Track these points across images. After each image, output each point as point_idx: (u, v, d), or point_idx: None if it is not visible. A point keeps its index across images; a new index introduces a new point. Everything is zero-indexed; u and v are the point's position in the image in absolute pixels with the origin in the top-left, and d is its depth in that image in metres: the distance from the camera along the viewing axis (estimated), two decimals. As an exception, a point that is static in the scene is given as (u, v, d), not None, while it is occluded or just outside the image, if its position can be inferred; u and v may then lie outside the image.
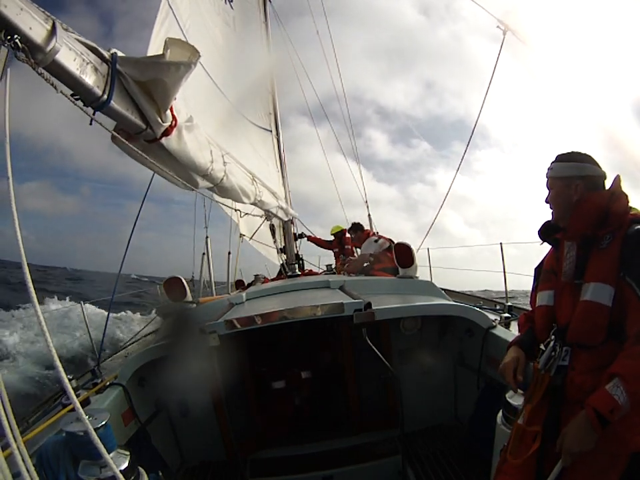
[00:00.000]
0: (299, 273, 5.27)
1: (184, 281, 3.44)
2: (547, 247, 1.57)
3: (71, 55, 1.22)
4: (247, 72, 4.40)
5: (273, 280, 5.52)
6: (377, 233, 5.85)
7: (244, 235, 7.05)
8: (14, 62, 1.02)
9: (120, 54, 1.41)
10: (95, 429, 1.19)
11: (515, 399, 1.65)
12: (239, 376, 2.79)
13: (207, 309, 2.93)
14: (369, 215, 7.95)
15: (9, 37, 1.00)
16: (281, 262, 5.60)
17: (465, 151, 4.19)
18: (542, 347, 1.44)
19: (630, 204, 1.35)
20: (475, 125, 4.07)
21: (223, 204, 4.57)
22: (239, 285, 6.24)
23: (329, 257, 7.54)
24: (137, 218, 3.40)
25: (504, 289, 4.59)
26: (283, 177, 5.19)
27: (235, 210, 4.01)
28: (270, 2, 5.88)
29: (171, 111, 1.63)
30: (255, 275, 6.58)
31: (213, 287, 5.95)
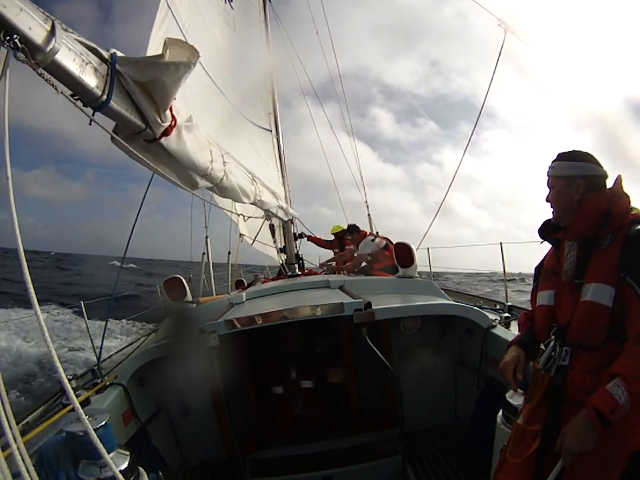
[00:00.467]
0: (299, 272, 5.27)
1: (184, 280, 3.44)
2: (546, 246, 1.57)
3: (71, 55, 1.22)
4: (247, 72, 4.40)
5: (273, 280, 5.52)
6: (377, 233, 5.84)
7: (244, 235, 7.05)
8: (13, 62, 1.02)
9: (119, 54, 1.41)
10: (95, 429, 1.19)
11: (515, 399, 1.65)
12: (239, 376, 2.79)
13: (207, 308, 2.93)
14: (369, 214, 7.94)
15: (8, 38, 1.00)
16: (281, 262, 5.60)
17: (472, 134, 4.13)
18: (542, 346, 1.44)
19: (631, 204, 1.35)
20: (481, 110, 4.02)
21: (224, 208, 4.58)
22: (239, 284, 6.25)
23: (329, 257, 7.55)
24: (136, 218, 3.39)
25: (504, 291, 4.58)
26: (283, 176, 5.19)
27: (239, 215, 4.02)
28: (270, 1, 5.88)
29: (171, 111, 1.63)
30: (255, 275, 6.58)
31: (213, 287, 5.95)
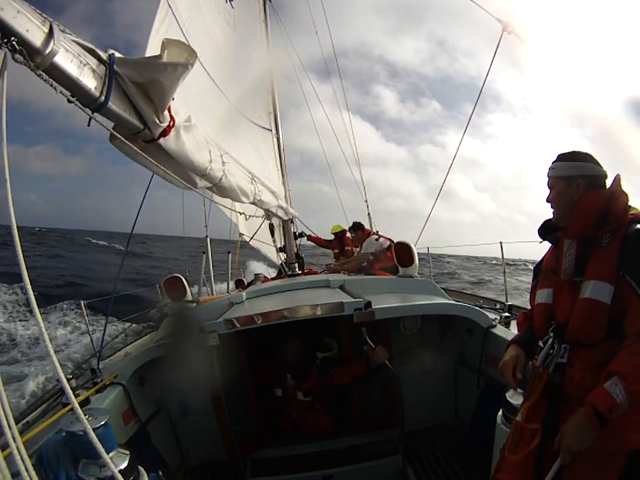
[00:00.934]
0: (299, 272, 5.27)
1: (184, 280, 3.44)
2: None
3: (69, 56, 1.22)
4: (247, 71, 4.40)
5: (272, 279, 5.52)
6: (377, 232, 5.85)
7: (243, 235, 7.05)
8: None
9: (118, 55, 1.41)
10: (95, 429, 1.19)
11: (515, 399, 1.65)
12: (239, 375, 2.79)
13: (207, 308, 2.93)
14: (369, 213, 7.93)
15: (5, 40, 1.00)
16: (281, 261, 5.60)
17: (471, 116, 4.05)
18: (540, 344, 1.44)
19: (630, 203, 1.36)
20: (479, 95, 3.96)
21: (223, 205, 4.57)
22: (239, 284, 6.24)
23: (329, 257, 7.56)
24: (136, 218, 3.40)
25: (504, 287, 4.58)
26: (283, 175, 5.18)
27: (241, 213, 4.01)
28: (270, 1, 5.88)
29: (169, 111, 1.63)
30: (255, 274, 6.58)
31: (213, 287, 5.95)
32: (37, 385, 6.66)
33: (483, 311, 2.61)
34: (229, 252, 7.04)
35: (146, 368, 2.41)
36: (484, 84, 3.78)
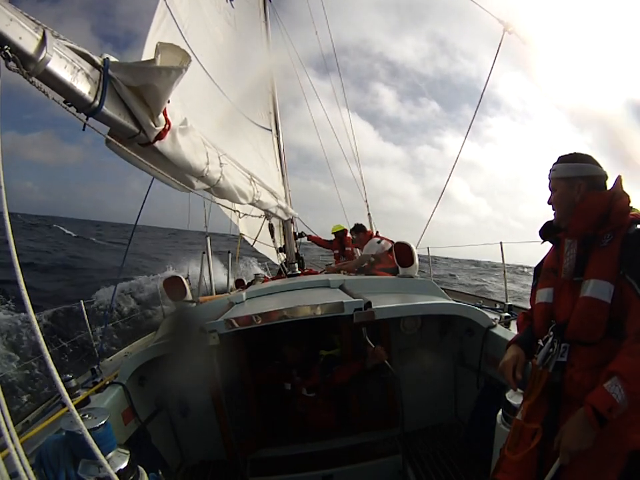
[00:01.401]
0: (299, 272, 5.27)
1: (184, 280, 3.45)
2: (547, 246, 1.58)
3: (62, 62, 1.22)
4: (248, 71, 4.40)
5: (272, 279, 5.52)
6: (378, 233, 5.84)
7: (243, 235, 7.04)
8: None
9: (112, 59, 1.40)
10: (95, 428, 1.20)
11: (515, 399, 1.66)
12: (239, 375, 2.79)
13: (207, 308, 2.93)
14: (369, 214, 7.93)
15: None
16: (281, 261, 5.60)
17: (472, 121, 4.04)
18: (540, 342, 1.44)
19: (631, 204, 1.36)
20: (480, 99, 3.95)
21: (222, 204, 4.56)
22: (239, 284, 6.24)
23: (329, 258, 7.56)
24: (137, 218, 3.41)
25: (504, 287, 4.58)
26: (283, 175, 5.18)
27: (235, 211, 4.00)
28: (270, 1, 5.88)
29: (164, 114, 1.63)
30: (255, 274, 6.58)
31: (213, 287, 5.94)
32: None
33: (483, 311, 2.61)
34: (229, 252, 7.04)
35: (146, 368, 2.41)
36: (485, 86, 3.77)
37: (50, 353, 0.93)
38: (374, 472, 2.58)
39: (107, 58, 1.39)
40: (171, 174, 1.94)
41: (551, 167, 1.49)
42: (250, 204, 3.19)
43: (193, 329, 2.26)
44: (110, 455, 1.24)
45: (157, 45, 1.47)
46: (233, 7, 4.19)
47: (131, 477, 1.28)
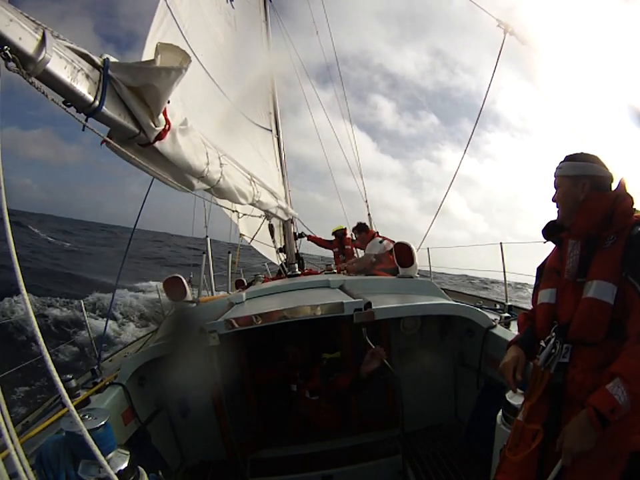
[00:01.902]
0: (299, 272, 5.27)
1: (184, 280, 3.45)
2: (548, 247, 1.58)
3: (62, 63, 1.21)
4: (248, 71, 4.40)
5: (272, 279, 5.52)
6: (378, 233, 5.85)
7: (244, 235, 7.04)
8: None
9: (112, 59, 1.40)
10: (95, 429, 1.19)
11: (515, 399, 1.65)
12: (239, 375, 2.79)
13: (207, 308, 2.93)
14: (369, 214, 7.94)
15: None
16: (281, 262, 5.60)
17: (471, 136, 4.08)
18: (542, 343, 1.44)
19: (634, 206, 1.37)
20: (480, 112, 3.97)
21: (222, 206, 4.57)
22: (239, 284, 6.24)
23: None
24: (137, 218, 3.41)
25: (504, 288, 4.59)
26: (283, 176, 5.18)
27: (234, 211, 3.99)
28: (270, 1, 5.88)
29: (165, 114, 1.63)
30: (255, 275, 6.58)
31: (213, 287, 5.95)
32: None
33: (483, 312, 2.61)
34: (229, 252, 7.05)
35: (146, 368, 2.41)
36: (488, 90, 3.78)
37: (50, 353, 0.92)
38: (374, 472, 2.58)
39: (107, 58, 1.38)
40: (171, 174, 1.93)
41: (557, 164, 1.49)
42: (250, 204, 3.19)
43: (193, 329, 2.26)
44: (110, 455, 1.23)
45: (157, 45, 1.46)
46: (233, 7, 4.19)
47: (131, 478, 1.28)
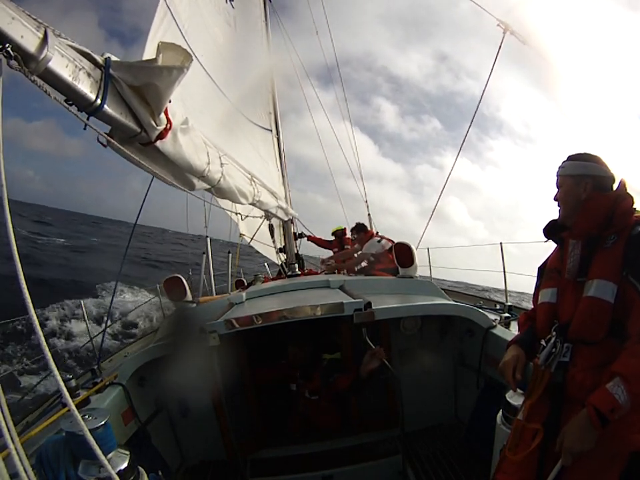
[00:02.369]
0: (299, 272, 5.27)
1: (184, 280, 3.45)
2: (549, 248, 1.59)
3: (64, 61, 1.21)
4: (248, 71, 4.40)
5: (272, 280, 5.53)
6: (378, 233, 5.85)
7: (244, 235, 7.04)
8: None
9: (114, 58, 1.40)
10: (95, 429, 1.19)
11: (515, 399, 1.65)
12: (239, 376, 2.79)
13: (207, 308, 2.93)
14: (369, 214, 7.95)
15: (0, 47, 1.00)
16: (281, 262, 5.60)
17: (466, 135, 4.08)
18: (543, 342, 1.45)
19: (635, 205, 1.37)
20: (477, 109, 3.99)
21: (225, 208, 4.56)
22: (239, 284, 6.24)
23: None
24: (137, 219, 3.40)
25: (504, 289, 4.59)
26: (283, 176, 5.18)
27: (237, 214, 3.99)
28: (270, 1, 5.89)
29: (166, 114, 1.63)
30: (255, 275, 6.59)
31: (213, 287, 5.95)
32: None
33: (483, 312, 2.61)
34: (229, 252, 7.05)
35: (146, 368, 2.41)
36: (485, 87, 3.79)
37: (51, 353, 0.92)
38: (374, 472, 2.58)
39: (109, 57, 1.38)
40: (172, 174, 1.93)
41: (560, 164, 1.50)
42: (250, 204, 3.19)
43: (193, 329, 2.26)
44: (110, 455, 1.23)
45: (158, 45, 1.46)
46: (232, 7, 4.18)
47: (131, 478, 1.28)
